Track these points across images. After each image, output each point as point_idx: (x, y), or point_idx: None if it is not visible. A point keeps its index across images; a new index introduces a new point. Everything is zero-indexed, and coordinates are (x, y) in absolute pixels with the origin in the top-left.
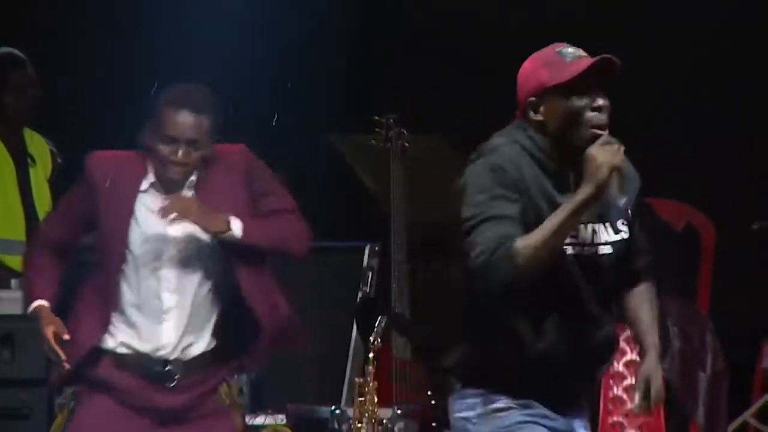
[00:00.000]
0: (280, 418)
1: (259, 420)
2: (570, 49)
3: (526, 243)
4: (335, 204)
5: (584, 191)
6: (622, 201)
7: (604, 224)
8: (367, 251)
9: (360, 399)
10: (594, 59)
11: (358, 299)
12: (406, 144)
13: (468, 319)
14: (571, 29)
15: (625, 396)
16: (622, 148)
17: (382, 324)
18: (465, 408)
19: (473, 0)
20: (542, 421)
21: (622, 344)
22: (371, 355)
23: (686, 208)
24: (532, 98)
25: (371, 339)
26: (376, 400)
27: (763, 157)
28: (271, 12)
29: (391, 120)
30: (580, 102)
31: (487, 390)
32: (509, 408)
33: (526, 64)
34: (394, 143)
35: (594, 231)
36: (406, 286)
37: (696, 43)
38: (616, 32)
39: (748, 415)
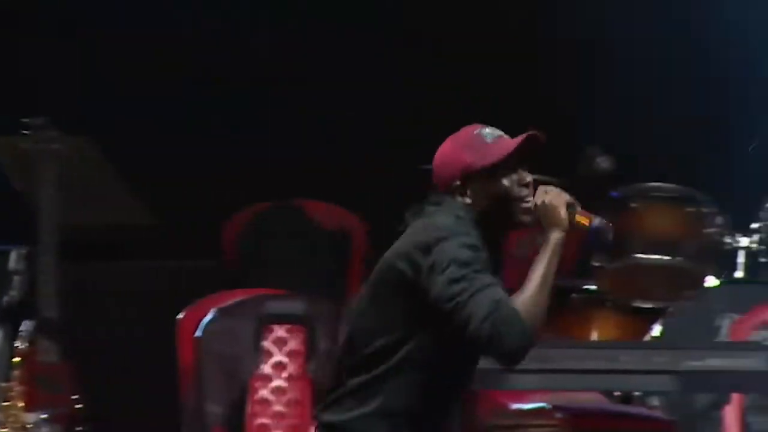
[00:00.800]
0: None
1: None
2: (487, 130)
3: (521, 300)
4: None
5: (554, 236)
6: (597, 224)
7: None
8: (13, 255)
9: (5, 403)
10: (519, 139)
11: (2, 303)
12: (57, 146)
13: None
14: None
15: (272, 397)
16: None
17: (30, 328)
18: None
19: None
20: None
21: (269, 345)
22: (17, 359)
23: (337, 209)
24: (457, 182)
25: (18, 343)
26: (22, 404)
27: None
28: None
29: (41, 122)
30: (507, 181)
31: None
32: None
33: (445, 148)
34: (43, 145)
35: None
36: (55, 289)
37: None
38: None
39: None
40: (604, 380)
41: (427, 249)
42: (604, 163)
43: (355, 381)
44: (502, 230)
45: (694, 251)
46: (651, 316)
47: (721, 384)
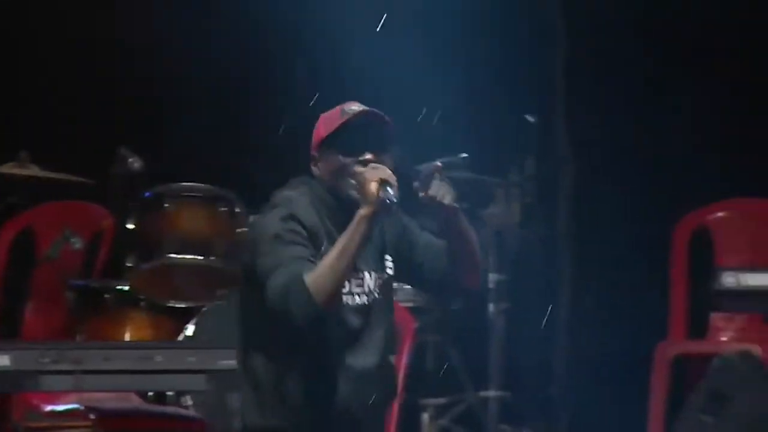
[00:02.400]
0: None
1: None
2: (354, 107)
3: (313, 274)
4: None
5: (360, 211)
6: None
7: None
8: None
9: None
10: (354, 113)
11: None
12: None
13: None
14: None
15: None
16: (388, 170)
17: None
18: None
19: None
20: None
21: None
22: None
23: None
24: (314, 153)
25: None
26: None
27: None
28: None
29: None
30: (346, 157)
31: None
32: None
33: (318, 120)
34: None
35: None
36: None
37: None
38: None
39: None
40: (137, 380)
41: (251, 225)
42: (135, 163)
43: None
44: (347, 202)
45: (226, 250)
46: (184, 316)
47: None
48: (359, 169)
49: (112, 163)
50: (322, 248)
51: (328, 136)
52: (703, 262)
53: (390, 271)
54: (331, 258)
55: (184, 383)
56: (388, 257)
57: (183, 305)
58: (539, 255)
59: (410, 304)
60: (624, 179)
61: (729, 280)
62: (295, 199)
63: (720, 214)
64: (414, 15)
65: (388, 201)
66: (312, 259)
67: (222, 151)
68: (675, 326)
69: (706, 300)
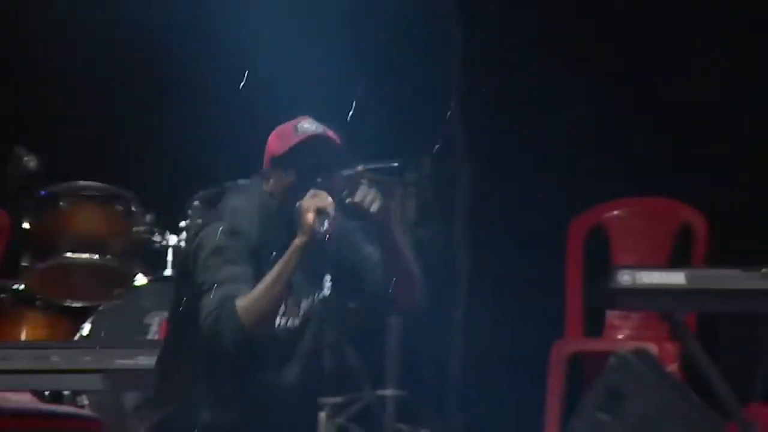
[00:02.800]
0: None
1: None
2: (307, 125)
3: (245, 300)
4: None
5: (296, 240)
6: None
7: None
8: None
9: None
10: (306, 135)
11: None
12: None
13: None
14: None
15: None
16: (330, 198)
17: None
18: None
19: None
20: None
21: None
22: None
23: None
24: (266, 167)
25: None
26: None
27: None
28: None
29: None
30: (297, 179)
31: None
32: None
33: (272, 133)
34: None
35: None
36: None
37: None
38: None
39: None
40: (33, 380)
41: (196, 233)
42: (31, 162)
43: None
44: (292, 219)
45: (123, 249)
46: (81, 315)
47: (152, 382)
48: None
49: (7, 162)
50: (271, 257)
51: (280, 156)
52: (600, 260)
53: (327, 291)
54: (263, 285)
55: (80, 383)
56: (327, 276)
57: (79, 304)
58: (435, 254)
59: None
60: (520, 178)
61: (625, 278)
62: (242, 210)
63: (615, 212)
64: (309, 16)
65: (321, 230)
66: (248, 276)
67: (119, 150)
68: (571, 324)
69: (602, 298)
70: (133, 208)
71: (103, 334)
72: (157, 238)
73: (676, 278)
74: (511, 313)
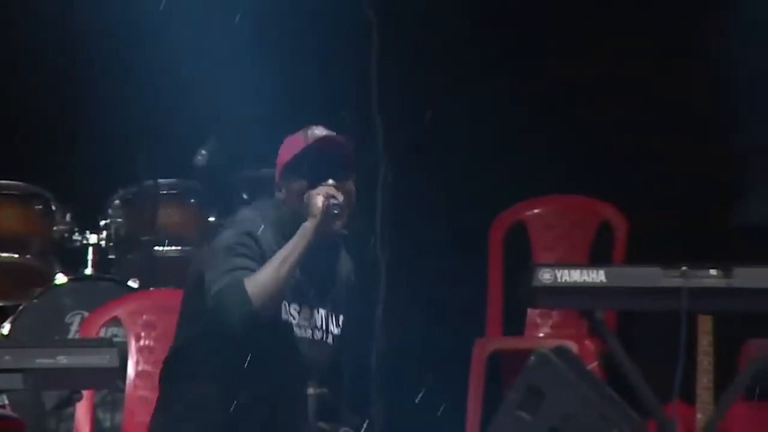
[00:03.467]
0: None
1: None
2: (317, 131)
3: (253, 276)
4: None
5: (306, 223)
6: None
7: (330, 313)
8: None
9: None
10: (314, 138)
11: None
12: None
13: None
14: None
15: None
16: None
17: None
18: None
19: None
20: None
21: None
22: None
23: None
24: (277, 178)
25: None
26: None
27: None
28: None
29: None
30: (308, 183)
31: None
32: None
33: (282, 145)
34: None
35: (324, 318)
36: None
37: None
38: None
39: None
40: None
41: (213, 238)
42: None
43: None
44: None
45: (42, 249)
46: (0, 315)
47: (73, 381)
48: (322, 193)
49: None
50: None
51: (290, 161)
52: (521, 258)
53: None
54: (271, 265)
55: (0, 382)
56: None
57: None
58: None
59: None
60: (442, 174)
61: (546, 276)
62: (256, 219)
63: (535, 210)
64: (224, 11)
65: (334, 212)
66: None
67: (38, 149)
68: (492, 322)
69: (523, 296)
70: (53, 207)
71: (23, 333)
72: (77, 237)
73: (596, 276)
74: (432, 311)
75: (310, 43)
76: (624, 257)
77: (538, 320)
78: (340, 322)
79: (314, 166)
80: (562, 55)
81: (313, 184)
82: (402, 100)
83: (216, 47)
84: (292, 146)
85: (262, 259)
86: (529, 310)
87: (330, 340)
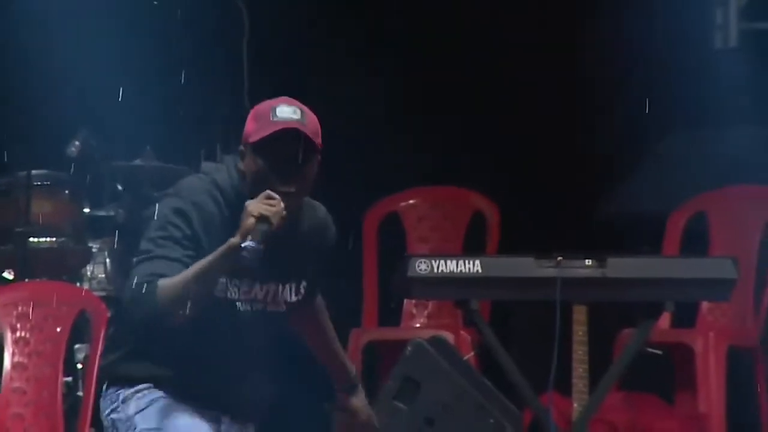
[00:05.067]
0: None
1: None
2: (286, 108)
3: (168, 283)
4: None
5: (229, 240)
6: (250, 245)
7: (284, 285)
8: None
9: None
10: (278, 127)
11: None
12: None
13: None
14: None
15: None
16: (282, 205)
17: None
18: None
19: None
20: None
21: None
22: None
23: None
24: (241, 147)
25: None
26: None
27: None
28: None
29: None
30: (265, 164)
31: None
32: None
33: (251, 112)
34: None
35: (268, 292)
36: None
37: None
38: None
39: None
40: None
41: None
42: None
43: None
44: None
45: None
46: None
47: None
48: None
49: None
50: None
51: (253, 143)
52: (395, 248)
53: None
54: (187, 276)
55: None
56: (304, 283)
57: None
58: None
59: (103, 293)
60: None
61: (421, 267)
62: (197, 190)
63: (410, 201)
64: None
65: (254, 242)
66: (185, 259)
67: None
68: (367, 313)
69: (399, 287)
70: None
71: None
72: None
73: (471, 266)
74: None
75: (183, 33)
76: (497, 248)
77: (414, 311)
78: (301, 290)
79: (275, 156)
80: (434, 46)
81: (272, 172)
82: (273, 90)
83: (88, 35)
84: (258, 123)
85: (194, 240)
86: (405, 301)
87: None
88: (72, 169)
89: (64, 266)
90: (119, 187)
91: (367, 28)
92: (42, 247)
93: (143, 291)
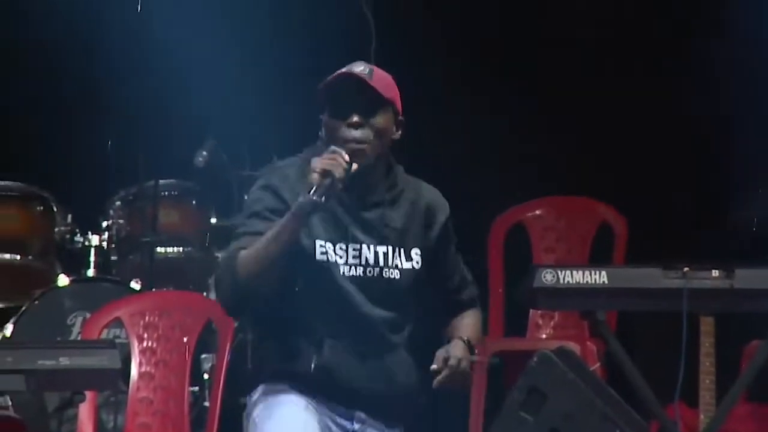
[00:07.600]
0: None
1: None
2: (355, 65)
3: (245, 252)
4: None
5: (298, 200)
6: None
7: (395, 249)
8: None
9: None
10: (337, 74)
11: None
12: None
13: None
14: None
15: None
16: (346, 158)
17: None
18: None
19: None
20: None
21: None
22: None
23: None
24: (321, 116)
25: None
26: None
27: None
28: None
29: None
30: (335, 118)
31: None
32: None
33: None
34: None
35: (378, 253)
36: None
37: None
38: None
39: None
40: None
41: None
42: None
43: None
44: None
45: (43, 250)
46: (2, 316)
47: (74, 382)
48: (346, 133)
49: None
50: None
51: (321, 88)
52: (521, 259)
53: (416, 264)
54: (260, 244)
55: (2, 384)
56: (417, 250)
57: (1, 305)
58: None
59: None
60: (443, 175)
61: (548, 277)
62: (282, 169)
63: (536, 211)
64: (223, 13)
65: (318, 196)
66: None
67: (39, 150)
68: (493, 323)
69: (526, 297)
70: (54, 208)
71: (25, 334)
72: (78, 238)
73: (598, 277)
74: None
75: (307, 41)
76: (624, 258)
77: (540, 321)
78: (413, 256)
79: (336, 101)
80: (564, 57)
81: (334, 122)
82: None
83: (216, 47)
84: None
85: (281, 212)
86: (531, 312)
87: (395, 275)
88: (199, 179)
89: (190, 276)
90: (246, 197)
91: (494, 39)
92: (169, 257)
93: (226, 267)
